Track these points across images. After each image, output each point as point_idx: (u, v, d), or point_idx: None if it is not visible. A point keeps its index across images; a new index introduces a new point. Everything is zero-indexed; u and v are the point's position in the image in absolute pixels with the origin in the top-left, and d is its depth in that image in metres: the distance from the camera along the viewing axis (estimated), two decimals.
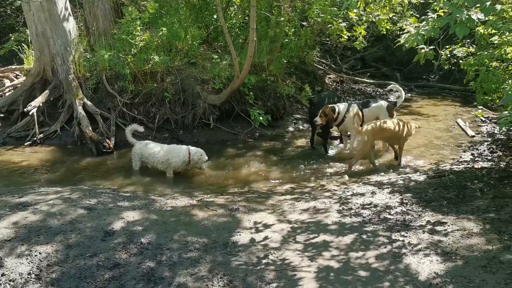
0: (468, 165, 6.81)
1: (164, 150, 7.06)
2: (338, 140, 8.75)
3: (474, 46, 8.41)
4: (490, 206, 4.96)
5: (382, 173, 6.92)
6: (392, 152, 7.60)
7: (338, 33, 9.60)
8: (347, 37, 9.83)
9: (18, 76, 10.34)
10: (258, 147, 8.64)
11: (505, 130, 8.41)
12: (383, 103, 8.14)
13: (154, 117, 8.95)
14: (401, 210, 5.07)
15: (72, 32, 9.15)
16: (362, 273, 3.78)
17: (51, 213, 4.68)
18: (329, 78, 12.88)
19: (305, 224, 4.79)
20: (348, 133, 8.04)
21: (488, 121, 9.71)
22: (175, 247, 4.19)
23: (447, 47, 8.49)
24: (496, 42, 6.68)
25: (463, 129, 9.26)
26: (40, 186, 6.20)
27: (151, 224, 4.63)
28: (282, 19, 9.40)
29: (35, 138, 8.45)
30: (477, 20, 4.38)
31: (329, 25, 9.57)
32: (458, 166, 6.83)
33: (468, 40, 9.70)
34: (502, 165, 6.66)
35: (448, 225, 4.54)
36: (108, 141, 8.24)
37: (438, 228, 4.51)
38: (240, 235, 4.51)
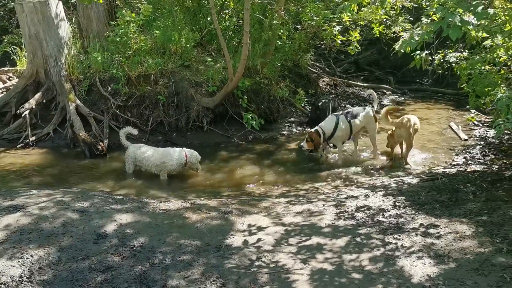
0: (461, 168, 6.85)
1: (159, 153, 7.04)
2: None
3: (467, 51, 8.48)
4: (482, 209, 4.99)
5: (375, 176, 6.95)
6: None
7: (332, 37, 9.64)
8: (340, 42, 9.88)
9: (10, 78, 10.25)
10: (251, 150, 8.63)
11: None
12: (370, 110, 8.01)
13: (147, 120, 8.92)
14: (395, 213, 5.08)
15: (65, 34, 9.13)
16: (356, 275, 3.78)
17: (43, 215, 4.65)
18: (323, 81, 12.91)
19: (298, 226, 4.79)
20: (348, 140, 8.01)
21: (481, 125, 9.76)
22: (168, 250, 4.17)
23: (440, 52, 8.54)
24: (488, 45, 6.75)
25: (456, 133, 9.30)
26: (32, 188, 6.16)
27: (144, 227, 4.62)
28: (275, 22, 9.41)
29: (27, 140, 8.40)
30: (471, 23, 4.43)
31: (323, 29, 9.62)
32: (451, 169, 6.86)
33: (461, 45, 9.77)
34: (494, 169, 6.70)
35: (441, 228, 4.56)
36: (101, 143, 8.19)
37: (431, 230, 4.53)
38: (233, 237, 4.50)
